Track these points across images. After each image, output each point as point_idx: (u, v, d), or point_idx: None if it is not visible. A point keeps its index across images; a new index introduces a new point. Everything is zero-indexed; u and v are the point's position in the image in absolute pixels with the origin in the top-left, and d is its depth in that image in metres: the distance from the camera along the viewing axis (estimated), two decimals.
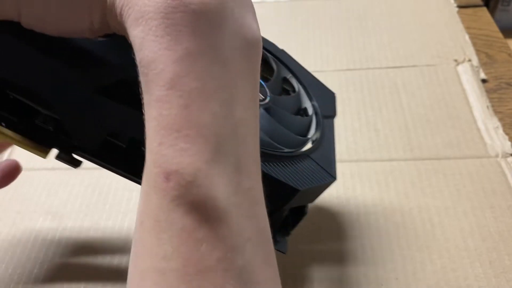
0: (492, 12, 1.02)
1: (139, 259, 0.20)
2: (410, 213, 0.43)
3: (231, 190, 0.20)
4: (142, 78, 0.20)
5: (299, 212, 0.33)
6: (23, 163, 0.53)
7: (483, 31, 0.65)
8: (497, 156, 0.48)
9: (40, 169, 0.51)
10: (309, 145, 0.33)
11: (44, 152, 0.29)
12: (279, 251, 0.32)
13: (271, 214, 0.28)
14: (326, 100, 0.37)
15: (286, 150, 0.31)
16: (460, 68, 0.59)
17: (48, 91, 0.25)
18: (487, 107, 0.53)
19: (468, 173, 0.46)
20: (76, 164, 0.30)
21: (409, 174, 0.46)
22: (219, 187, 0.19)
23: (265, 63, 0.37)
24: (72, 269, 0.41)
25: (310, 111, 0.36)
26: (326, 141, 0.34)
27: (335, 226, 0.43)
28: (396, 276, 0.39)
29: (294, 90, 0.38)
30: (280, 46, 0.65)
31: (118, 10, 0.20)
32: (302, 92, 0.37)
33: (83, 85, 0.25)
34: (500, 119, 0.52)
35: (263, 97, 0.33)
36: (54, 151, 0.29)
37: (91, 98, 0.25)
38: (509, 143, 0.49)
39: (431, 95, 0.55)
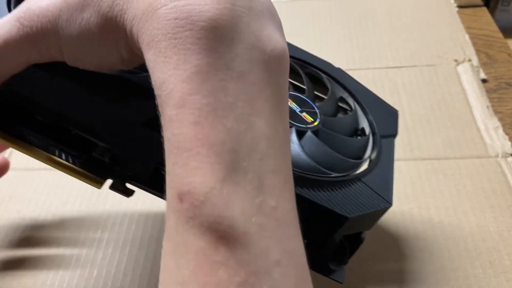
0: (492, 12, 1.02)
1: (161, 285, 0.20)
2: (410, 213, 0.43)
3: (252, 210, 0.19)
4: (157, 101, 0.20)
5: (355, 240, 0.31)
6: (23, 163, 0.53)
7: (483, 31, 0.65)
8: (497, 156, 0.48)
9: (40, 169, 0.51)
10: (363, 168, 0.31)
11: (99, 183, 0.29)
12: (336, 281, 0.30)
13: (323, 242, 0.29)
14: (386, 118, 0.35)
15: (334, 174, 0.29)
16: (460, 68, 0.59)
17: (102, 126, 0.26)
18: (487, 107, 0.53)
19: (468, 173, 0.46)
20: (129, 193, 0.30)
21: (409, 174, 0.46)
22: (236, 207, 0.19)
23: (319, 82, 0.36)
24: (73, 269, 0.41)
25: (367, 130, 0.34)
26: (383, 163, 0.32)
27: None
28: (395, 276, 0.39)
29: (351, 109, 0.36)
30: None
31: (135, 37, 0.21)
32: (359, 111, 0.35)
33: (132, 120, 0.25)
34: (500, 119, 0.52)
35: (311, 119, 0.32)
36: (108, 182, 0.30)
37: (140, 131, 0.26)
38: (509, 143, 0.49)
39: (431, 95, 0.55)
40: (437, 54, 0.61)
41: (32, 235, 0.43)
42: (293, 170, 0.25)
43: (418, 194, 0.44)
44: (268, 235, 0.19)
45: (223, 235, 0.18)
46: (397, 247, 0.40)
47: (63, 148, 0.29)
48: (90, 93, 0.24)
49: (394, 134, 0.35)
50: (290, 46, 0.36)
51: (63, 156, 0.29)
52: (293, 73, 0.36)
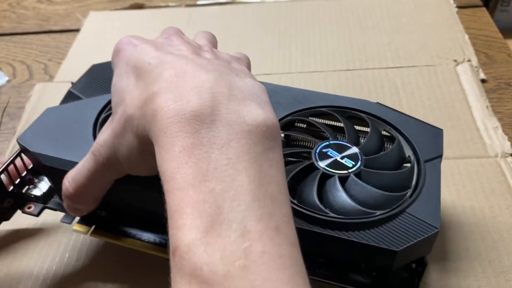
0: (491, 12, 1.03)
1: None
2: None
3: (236, 255, 0.21)
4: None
5: (420, 264, 0.33)
6: None
7: (483, 31, 0.66)
8: (496, 156, 0.48)
9: None
10: (409, 198, 0.32)
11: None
12: None
13: (387, 275, 0.33)
14: (430, 141, 0.36)
15: (379, 213, 0.31)
16: (459, 68, 0.59)
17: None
18: (487, 107, 0.53)
19: (467, 173, 0.46)
20: None
21: None
22: (218, 253, 0.21)
23: (361, 121, 0.38)
24: (74, 270, 0.41)
25: (412, 158, 0.35)
26: (428, 188, 0.33)
27: None
28: None
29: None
30: (280, 46, 0.65)
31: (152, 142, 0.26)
32: (402, 140, 0.37)
33: None
34: (500, 119, 0.52)
35: (353, 163, 0.34)
36: None
37: None
38: (508, 143, 0.49)
39: (430, 95, 0.55)
40: (437, 54, 0.61)
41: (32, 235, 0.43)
42: (339, 218, 0.30)
43: None
44: (253, 277, 0.21)
45: (205, 279, 0.21)
46: None
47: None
48: (150, 189, 0.29)
49: (439, 155, 0.35)
50: (325, 96, 0.40)
51: (158, 241, 0.36)
52: (335, 120, 0.39)
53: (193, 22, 0.72)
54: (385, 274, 0.33)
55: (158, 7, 0.76)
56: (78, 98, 0.40)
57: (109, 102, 0.38)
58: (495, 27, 0.66)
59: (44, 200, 0.38)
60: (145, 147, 0.27)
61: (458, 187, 0.45)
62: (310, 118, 0.39)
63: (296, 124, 0.39)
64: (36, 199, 0.38)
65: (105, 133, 0.29)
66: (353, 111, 0.39)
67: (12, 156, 0.36)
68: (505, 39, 0.65)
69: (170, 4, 0.76)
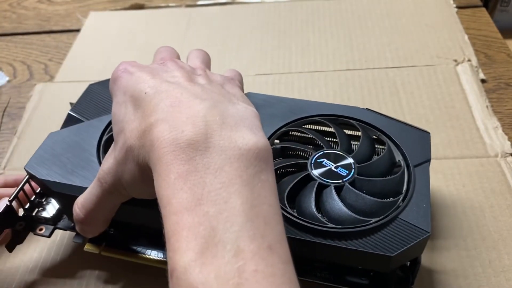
0: (491, 12, 1.02)
1: None
2: None
3: (230, 274, 0.22)
4: None
5: (414, 263, 0.35)
6: (24, 163, 0.53)
7: (482, 31, 0.66)
8: (496, 156, 0.48)
9: None
10: (400, 203, 0.34)
11: None
12: None
13: (383, 276, 0.35)
14: (418, 145, 0.38)
15: (373, 220, 0.33)
16: (459, 68, 0.59)
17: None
18: (487, 107, 0.53)
19: (467, 173, 0.46)
20: None
21: None
22: (212, 273, 0.22)
23: (353, 127, 0.40)
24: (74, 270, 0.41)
25: (402, 163, 0.37)
26: (418, 193, 0.35)
27: None
28: None
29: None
30: (280, 46, 0.65)
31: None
32: (392, 146, 0.38)
33: None
34: (499, 119, 0.52)
35: (347, 171, 0.36)
36: None
37: None
38: (508, 143, 0.49)
39: (430, 95, 0.55)
40: (437, 54, 0.61)
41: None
42: (338, 228, 0.32)
43: None
44: None
45: None
46: None
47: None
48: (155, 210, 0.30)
49: (427, 160, 0.37)
50: (318, 105, 0.41)
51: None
52: (328, 127, 0.40)
53: (193, 22, 0.72)
54: (381, 274, 0.35)
55: (158, 7, 0.76)
56: (79, 120, 0.41)
57: (109, 123, 0.40)
58: (494, 27, 0.66)
59: (54, 222, 0.40)
60: (146, 173, 0.28)
61: (458, 187, 0.45)
62: (304, 127, 0.40)
63: (290, 133, 0.41)
64: (46, 221, 0.39)
65: (109, 161, 0.31)
66: (344, 119, 0.40)
67: (21, 184, 0.38)
68: (504, 39, 0.65)
69: (170, 4, 0.76)
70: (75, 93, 0.61)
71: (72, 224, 0.39)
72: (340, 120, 0.40)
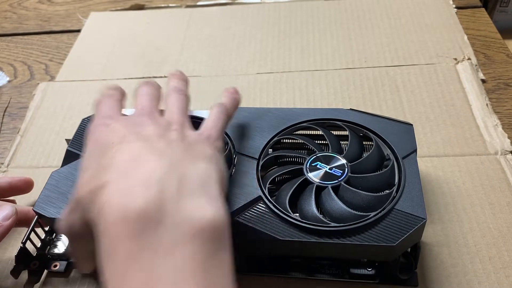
0: (490, 12, 1.03)
1: None
2: None
3: None
4: None
5: (415, 249, 0.37)
6: (27, 160, 0.53)
7: (482, 31, 0.66)
8: (496, 153, 0.48)
9: (45, 167, 0.52)
10: (394, 195, 0.36)
11: None
12: (412, 286, 0.38)
13: (388, 265, 0.37)
14: (404, 137, 0.40)
15: (372, 214, 0.34)
16: (459, 66, 0.59)
17: None
18: (487, 105, 0.53)
19: (467, 170, 0.46)
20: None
21: None
22: None
23: (340, 127, 0.42)
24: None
25: (391, 157, 0.39)
26: (409, 183, 0.36)
27: None
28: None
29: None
30: (280, 46, 0.65)
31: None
32: (379, 141, 0.40)
33: None
34: (498, 119, 0.52)
35: (341, 171, 0.38)
36: None
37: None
38: (508, 140, 0.49)
39: (430, 94, 0.56)
40: (436, 55, 0.61)
41: None
42: (341, 226, 0.34)
43: None
44: None
45: None
46: None
47: None
48: None
49: (414, 150, 0.39)
50: (303, 111, 0.43)
51: None
52: (317, 130, 0.42)
53: (193, 22, 0.72)
54: (386, 263, 0.37)
55: (158, 7, 0.77)
56: (77, 155, 0.41)
57: None
58: (494, 28, 0.67)
59: (67, 257, 0.41)
60: (91, 230, 0.26)
61: (458, 184, 0.45)
62: (294, 134, 0.42)
63: (282, 141, 0.43)
64: (59, 256, 0.40)
65: (66, 208, 0.29)
66: (331, 121, 0.42)
67: (31, 225, 0.39)
68: (504, 39, 0.65)
69: (171, 4, 0.77)
70: (78, 92, 0.61)
71: None
72: (327, 123, 0.42)
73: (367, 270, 0.38)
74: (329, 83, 0.59)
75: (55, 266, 0.40)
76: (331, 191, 0.36)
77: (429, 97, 0.55)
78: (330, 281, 0.38)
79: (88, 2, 0.81)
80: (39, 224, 0.40)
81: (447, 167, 0.47)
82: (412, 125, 0.41)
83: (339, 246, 0.33)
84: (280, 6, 0.73)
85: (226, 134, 0.41)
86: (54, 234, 0.41)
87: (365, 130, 0.41)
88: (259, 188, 0.37)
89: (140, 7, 0.77)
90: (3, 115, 0.60)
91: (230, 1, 0.75)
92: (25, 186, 0.44)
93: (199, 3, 0.76)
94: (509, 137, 0.49)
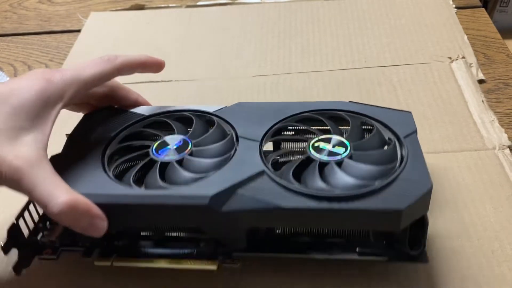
0: (490, 12, 1.03)
1: None
2: None
3: None
4: None
5: (422, 224, 0.36)
6: None
7: (482, 31, 0.66)
8: (494, 148, 0.48)
9: None
10: (398, 167, 0.36)
11: (213, 264, 0.37)
12: (422, 262, 0.36)
13: (397, 238, 0.36)
14: (404, 122, 0.40)
15: (377, 182, 0.34)
16: (454, 65, 0.59)
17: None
18: (482, 101, 0.54)
19: (466, 166, 0.46)
20: (235, 263, 0.37)
21: None
22: None
23: (341, 119, 0.42)
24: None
25: (392, 138, 0.39)
26: (412, 156, 0.36)
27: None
28: (398, 266, 0.39)
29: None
30: (280, 46, 0.65)
31: None
32: (380, 127, 0.40)
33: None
34: (498, 119, 0.52)
35: (344, 149, 0.38)
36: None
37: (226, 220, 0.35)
38: (505, 135, 0.49)
39: (427, 92, 0.56)
40: (436, 54, 0.61)
41: None
42: (347, 192, 0.33)
43: None
44: None
45: None
46: None
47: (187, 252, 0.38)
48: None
49: (414, 131, 0.39)
50: (304, 103, 0.43)
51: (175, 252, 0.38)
52: (318, 122, 0.42)
53: (193, 23, 0.72)
54: (394, 239, 0.36)
55: (158, 7, 0.77)
56: (78, 144, 0.41)
57: (111, 140, 0.41)
58: (494, 28, 0.67)
59: (60, 243, 0.39)
60: None
61: (458, 180, 0.45)
62: (295, 123, 0.42)
63: (283, 133, 0.42)
64: (52, 243, 0.39)
65: None
66: (332, 112, 0.42)
67: (25, 203, 0.39)
68: (503, 39, 0.65)
69: (171, 4, 0.77)
70: None
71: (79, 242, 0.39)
72: (328, 114, 0.42)
73: (376, 248, 0.37)
74: (326, 85, 0.59)
75: (47, 252, 0.39)
76: (335, 165, 0.36)
77: (426, 95, 0.55)
78: (336, 260, 0.37)
79: (88, 2, 0.81)
80: (34, 207, 0.39)
81: (446, 163, 0.47)
82: (410, 112, 0.41)
83: (345, 213, 0.33)
84: (280, 6, 0.73)
85: (228, 122, 0.41)
86: (48, 222, 0.40)
87: (365, 118, 0.41)
88: (261, 163, 0.36)
89: (140, 7, 0.77)
90: None
91: (230, 1, 0.76)
92: (156, 67, 0.44)
93: (199, 3, 0.77)
94: (509, 138, 0.49)
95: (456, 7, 0.69)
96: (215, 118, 0.42)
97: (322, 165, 0.37)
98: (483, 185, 0.44)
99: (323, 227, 0.37)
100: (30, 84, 0.35)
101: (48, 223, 0.40)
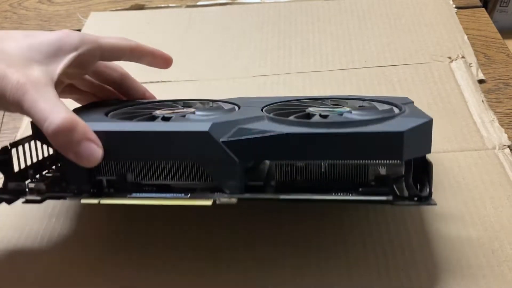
0: (490, 12, 1.03)
1: None
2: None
3: None
4: None
5: (425, 166, 0.35)
6: None
7: (482, 31, 0.66)
8: (494, 148, 0.48)
9: None
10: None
11: (209, 200, 0.34)
12: (430, 204, 0.34)
13: (402, 174, 0.35)
14: (400, 99, 0.42)
15: (378, 116, 0.35)
16: (453, 65, 0.59)
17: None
18: (482, 101, 0.54)
19: (466, 165, 0.46)
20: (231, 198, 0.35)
21: None
22: None
23: (342, 104, 0.43)
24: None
25: (390, 106, 0.40)
26: (410, 109, 0.37)
27: (338, 221, 0.43)
28: (401, 267, 0.38)
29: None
30: (280, 46, 0.65)
31: None
32: (377, 104, 0.41)
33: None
34: (498, 120, 0.52)
35: (343, 109, 0.39)
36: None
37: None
38: (505, 135, 0.49)
39: (426, 92, 0.56)
40: (436, 54, 0.62)
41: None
42: (342, 119, 0.35)
43: None
44: None
45: None
46: (401, 239, 0.40)
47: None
48: None
49: (411, 102, 0.41)
50: (301, 97, 0.44)
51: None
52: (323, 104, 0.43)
53: (193, 22, 0.72)
54: (400, 176, 0.35)
55: (158, 7, 0.77)
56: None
57: (116, 107, 0.42)
58: (494, 28, 0.67)
59: (47, 188, 0.37)
60: None
61: (458, 179, 0.45)
62: (296, 102, 0.43)
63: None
64: (39, 188, 0.37)
65: None
66: (330, 98, 0.44)
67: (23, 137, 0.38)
68: (504, 39, 0.65)
69: (171, 4, 0.77)
70: None
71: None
72: (329, 99, 0.44)
73: (381, 189, 0.34)
74: (326, 85, 0.59)
75: (32, 194, 0.37)
76: (335, 115, 0.37)
77: (426, 95, 0.55)
78: (338, 201, 0.34)
79: (88, 2, 0.81)
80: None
81: (446, 162, 0.47)
82: (406, 97, 0.43)
83: (345, 138, 0.32)
84: (280, 6, 0.73)
85: (231, 103, 0.43)
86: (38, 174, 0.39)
87: (362, 101, 0.43)
88: (263, 113, 0.37)
89: (140, 7, 0.77)
90: (3, 115, 0.60)
91: (230, 1, 0.76)
92: (163, 61, 0.45)
93: (199, 3, 0.76)
94: (509, 137, 0.49)
95: (456, 7, 0.69)
96: (217, 104, 0.44)
97: (322, 117, 0.37)
98: (483, 185, 0.44)
99: (324, 158, 0.34)
100: (50, 33, 0.38)
101: (38, 176, 0.39)
